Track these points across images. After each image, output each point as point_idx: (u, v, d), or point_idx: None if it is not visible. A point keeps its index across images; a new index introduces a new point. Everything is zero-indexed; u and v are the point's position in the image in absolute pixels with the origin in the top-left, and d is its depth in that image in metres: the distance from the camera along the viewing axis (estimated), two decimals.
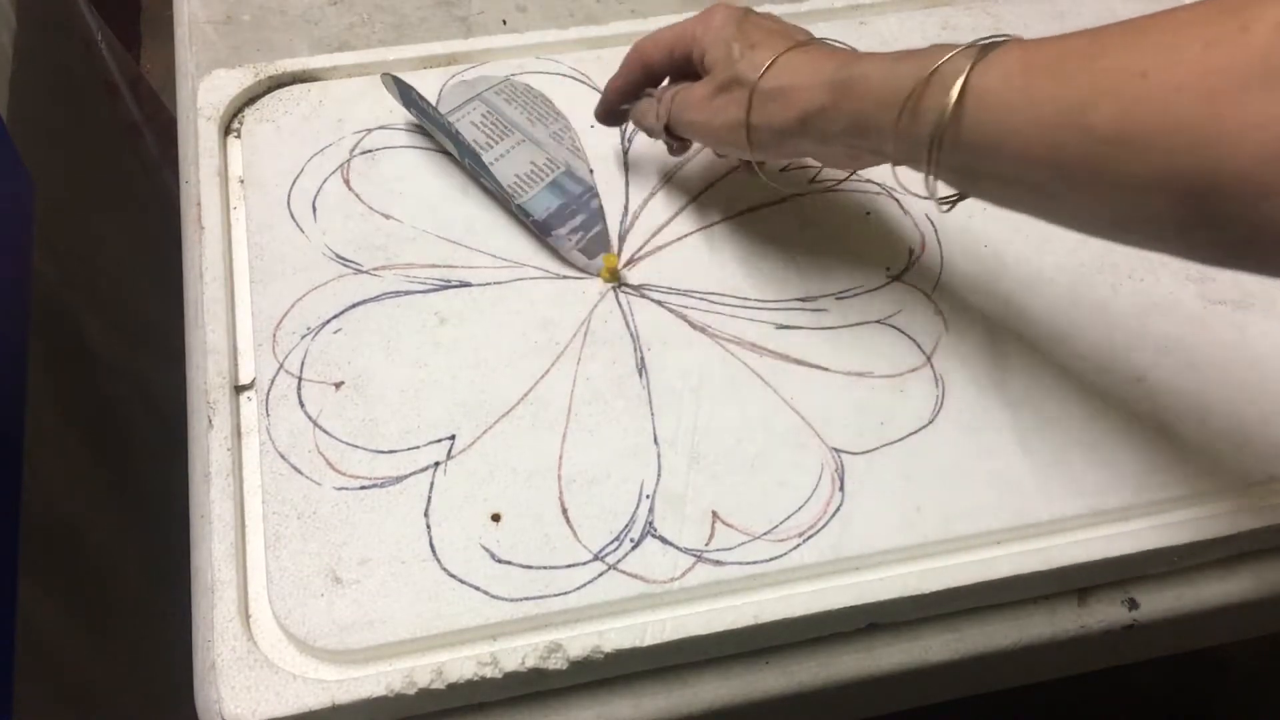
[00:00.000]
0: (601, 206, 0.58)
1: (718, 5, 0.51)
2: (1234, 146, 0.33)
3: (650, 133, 0.55)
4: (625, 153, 0.60)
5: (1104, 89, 0.35)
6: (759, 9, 0.65)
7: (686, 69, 0.52)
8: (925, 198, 0.43)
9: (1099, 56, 0.36)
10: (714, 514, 0.48)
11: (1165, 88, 0.34)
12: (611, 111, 0.57)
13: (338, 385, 0.51)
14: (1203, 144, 0.33)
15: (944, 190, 0.44)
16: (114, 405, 0.78)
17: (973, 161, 0.40)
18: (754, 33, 0.48)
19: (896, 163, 0.44)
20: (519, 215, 0.56)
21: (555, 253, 0.56)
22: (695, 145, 0.56)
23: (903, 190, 0.46)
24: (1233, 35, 0.33)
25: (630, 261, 0.56)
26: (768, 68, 0.46)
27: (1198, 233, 0.36)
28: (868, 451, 0.50)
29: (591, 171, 0.59)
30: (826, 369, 0.52)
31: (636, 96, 0.55)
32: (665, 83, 0.54)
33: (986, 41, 0.40)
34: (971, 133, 0.39)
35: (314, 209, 0.57)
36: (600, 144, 0.60)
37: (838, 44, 0.48)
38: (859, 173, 0.60)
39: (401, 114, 0.61)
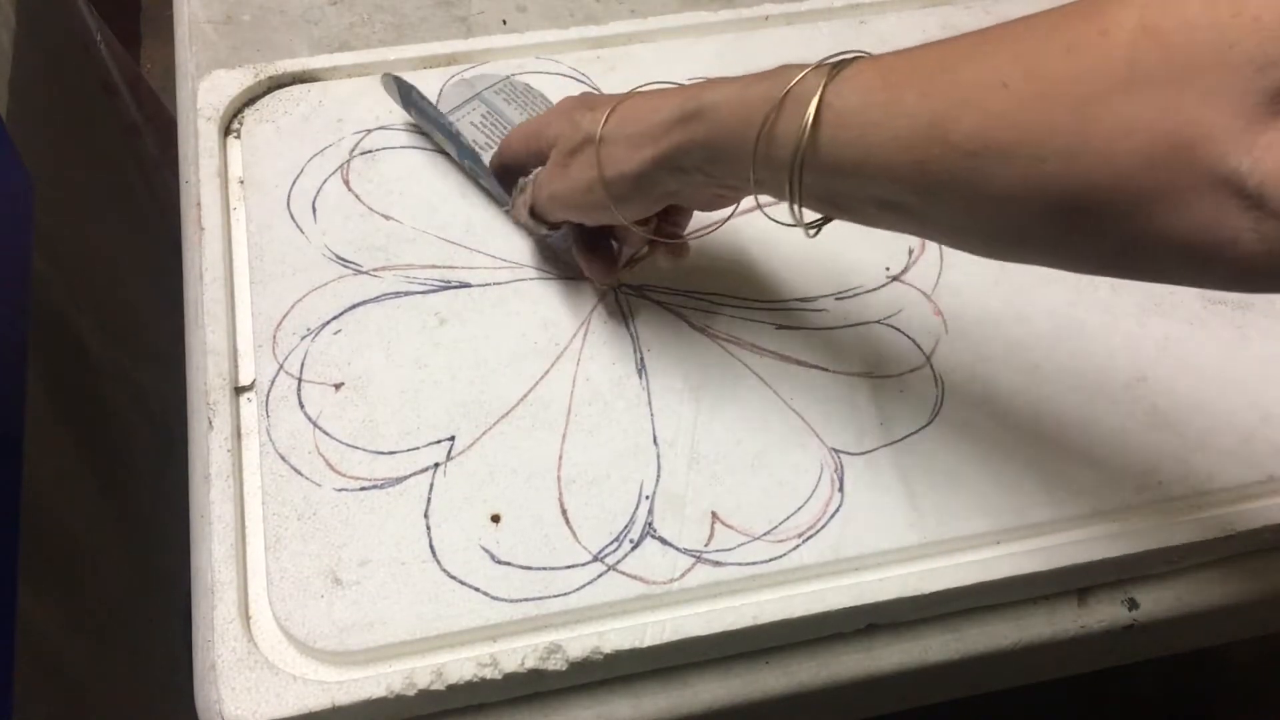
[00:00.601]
0: None
1: (567, 96, 0.51)
2: (1102, 154, 0.32)
3: (526, 228, 0.55)
4: None
5: (964, 101, 0.34)
6: (753, 10, 0.66)
7: (544, 159, 0.51)
8: (791, 225, 0.42)
9: (957, 67, 0.35)
10: (713, 515, 0.48)
11: (1027, 97, 0.33)
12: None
13: (338, 386, 0.51)
14: (1070, 153, 0.32)
15: (810, 215, 0.42)
16: (105, 406, 0.78)
17: (836, 183, 0.39)
18: (596, 99, 0.48)
19: (761, 191, 0.42)
20: None
21: (555, 253, 0.56)
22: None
23: (767, 218, 0.43)
24: (1092, 40, 0.32)
25: (630, 261, 0.56)
26: (608, 117, 0.45)
27: (1072, 243, 0.35)
28: (867, 452, 0.50)
29: None
30: (826, 369, 0.52)
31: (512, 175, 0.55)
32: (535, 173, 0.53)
33: (838, 59, 0.39)
34: (832, 153, 0.38)
35: (314, 209, 0.57)
36: None
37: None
38: None
39: (401, 114, 0.61)
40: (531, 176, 0.52)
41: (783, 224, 0.42)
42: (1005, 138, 0.33)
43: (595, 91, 0.59)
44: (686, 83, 0.45)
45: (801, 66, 0.39)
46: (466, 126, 0.59)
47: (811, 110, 0.37)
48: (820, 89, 0.37)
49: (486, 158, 0.57)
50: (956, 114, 0.34)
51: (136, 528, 0.80)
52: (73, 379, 0.72)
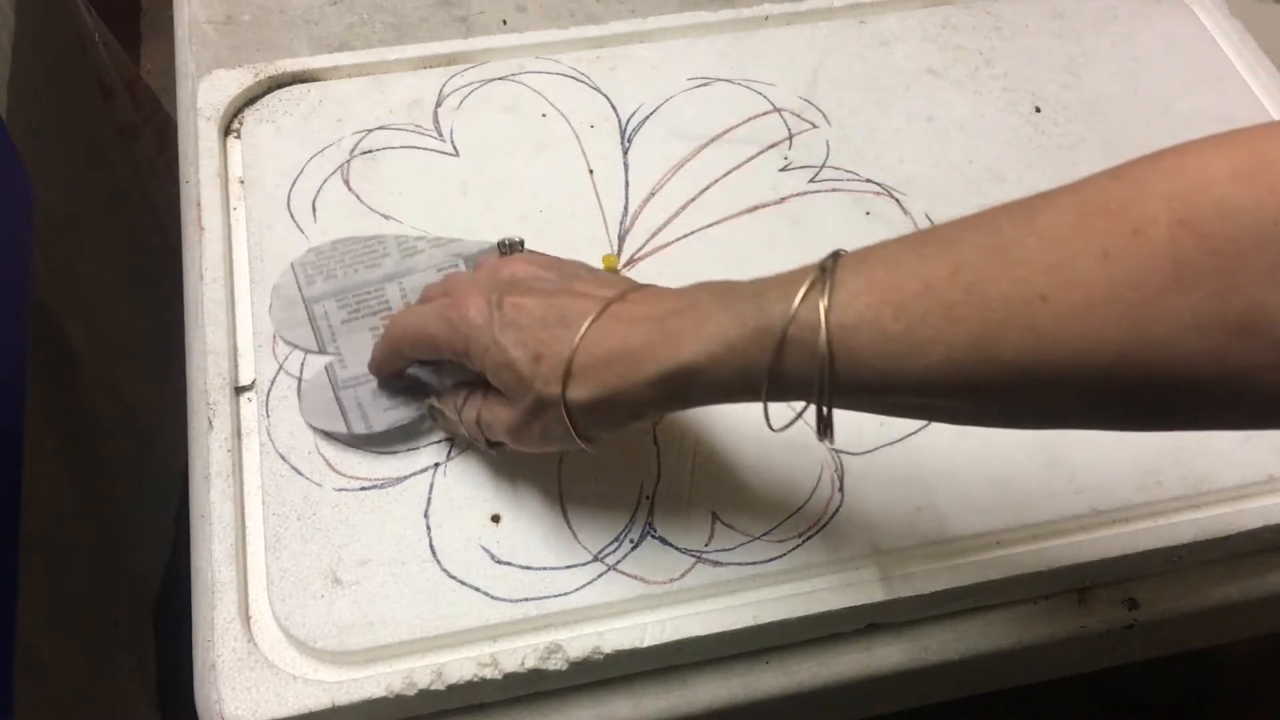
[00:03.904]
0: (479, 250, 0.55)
1: (467, 288, 0.43)
2: (1164, 352, 0.31)
3: (464, 441, 0.49)
4: (625, 153, 0.60)
5: (1004, 321, 0.33)
6: (753, 10, 0.66)
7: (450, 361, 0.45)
8: (832, 448, 0.40)
9: (979, 287, 0.33)
10: (713, 515, 0.48)
11: (1074, 308, 0.32)
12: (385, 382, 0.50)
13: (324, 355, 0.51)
14: (1129, 356, 0.32)
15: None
16: (85, 405, 0.78)
17: (861, 402, 0.37)
18: (525, 329, 0.40)
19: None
20: None
21: (554, 252, 0.56)
22: (696, 145, 0.55)
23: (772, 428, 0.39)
24: (1127, 242, 0.32)
25: (630, 261, 0.56)
26: (567, 377, 0.39)
27: (1130, 421, 0.36)
28: (867, 452, 0.50)
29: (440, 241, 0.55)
30: None
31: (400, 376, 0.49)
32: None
33: (809, 279, 0.36)
34: (854, 382, 0.35)
35: (314, 209, 0.57)
36: (600, 143, 0.60)
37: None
38: (859, 172, 0.60)
39: (402, 114, 0.61)
40: (472, 410, 0.44)
41: (828, 446, 0.40)
42: (1058, 352, 0.32)
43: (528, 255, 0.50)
44: (614, 275, 0.42)
45: (775, 289, 0.37)
46: (350, 333, 0.52)
47: (824, 351, 0.35)
48: (823, 330, 0.35)
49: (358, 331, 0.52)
50: (1000, 334, 0.33)
51: (110, 526, 0.80)
52: (57, 378, 0.72)
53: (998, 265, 0.33)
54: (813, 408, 0.37)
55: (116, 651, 0.78)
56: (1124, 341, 0.32)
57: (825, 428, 0.37)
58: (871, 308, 0.35)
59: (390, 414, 0.49)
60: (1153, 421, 0.36)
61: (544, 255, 0.49)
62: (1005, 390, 0.34)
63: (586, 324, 0.39)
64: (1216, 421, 0.35)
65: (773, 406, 0.38)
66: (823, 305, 0.35)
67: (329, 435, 0.49)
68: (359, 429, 0.48)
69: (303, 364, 0.51)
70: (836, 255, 0.36)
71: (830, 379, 0.35)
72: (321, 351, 0.51)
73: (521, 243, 0.51)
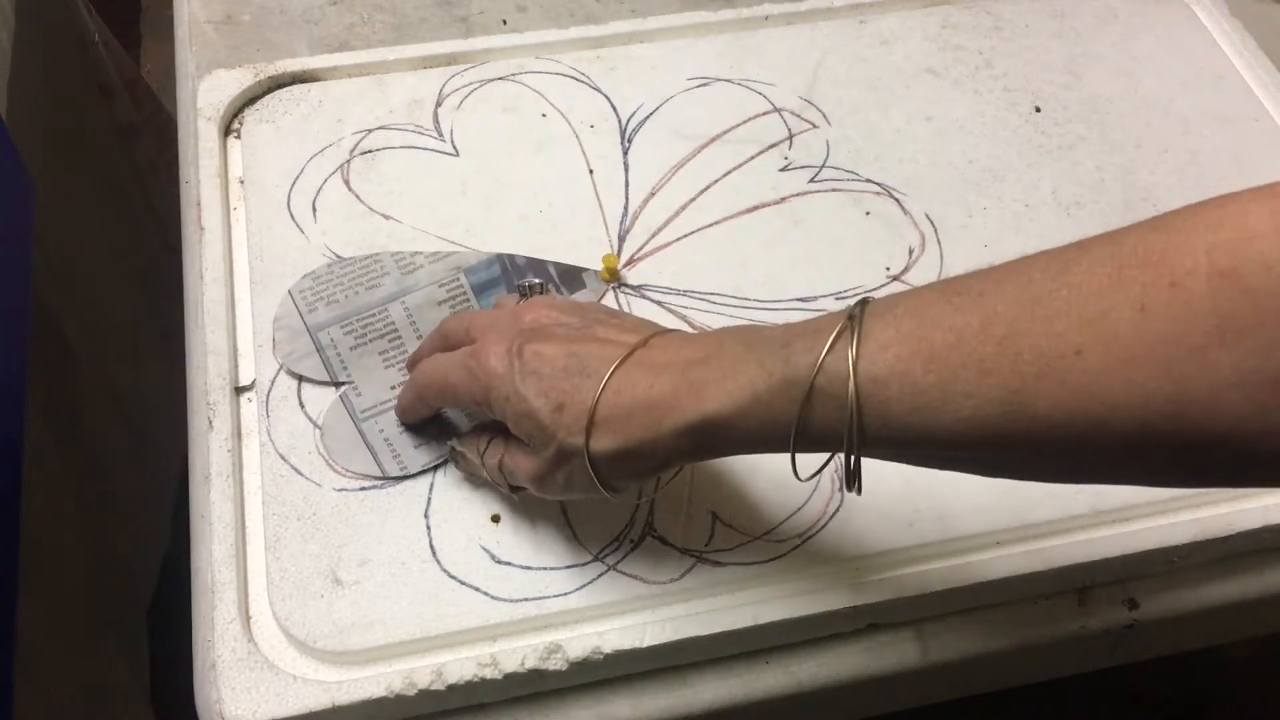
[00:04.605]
0: (508, 260, 0.55)
1: (488, 334, 0.43)
2: (1208, 409, 0.31)
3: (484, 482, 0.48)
4: (625, 153, 0.60)
5: (1039, 375, 0.32)
6: (753, 10, 0.66)
7: (472, 408, 0.46)
8: (849, 491, 0.38)
9: (1012, 339, 0.33)
10: (713, 515, 0.48)
11: (1112, 363, 0.31)
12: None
13: (338, 386, 0.51)
14: (1170, 413, 0.31)
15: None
16: (82, 404, 0.78)
17: (890, 454, 0.36)
18: (547, 378, 0.40)
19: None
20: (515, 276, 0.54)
21: (554, 253, 0.56)
22: (696, 145, 0.55)
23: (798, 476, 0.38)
24: (1166, 294, 0.31)
25: (630, 261, 0.56)
26: (590, 429, 0.39)
27: (1168, 478, 0.34)
28: None
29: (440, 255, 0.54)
30: None
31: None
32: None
33: (838, 326, 0.35)
34: (883, 435, 0.35)
35: (314, 209, 0.57)
36: (600, 143, 0.60)
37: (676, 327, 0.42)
38: (859, 172, 0.60)
39: (402, 114, 0.61)
40: (494, 457, 0.44)
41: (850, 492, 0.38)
42: (1093, 408, 0.32)
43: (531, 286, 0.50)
44: (640, 317, 0.42)
45: (802, 338, 0.36)
46: (359, 356, 0.51)
47: (852, 403, 0.34)
48: (851, 381, 0.34)
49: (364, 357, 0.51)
50: (1034, 389, 0.32)
51: (107, 525, 0.80)
52: (55, 377, 0.72)
53: (1031, 318, 0.33)
54: (838, 457, 0.37)
55: (112, 651, 0.78)
56: (1162, 398, 0.31)
57: (853, 479, 0.37)
58: (901, 359, 0.34)
59: (422, 452, 0.48)
60: (1192, 479, 0.35)
61: (564, 299, 0.49)
62: (1037, 445, 0.33)
63: (609, 373, 0.39)
64: (1258, 479, 0.34)
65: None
66: (851, 356, 0.34)
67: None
68: (393, 471, 0.48)
69: None
70: (864, 303, 0.36)
71: (859, 431, 0.35)
72: (334, 382, 0.50)
73: (543, 285, 0.50)
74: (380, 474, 0.48)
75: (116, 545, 0.82)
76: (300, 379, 0.51)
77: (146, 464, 0.88)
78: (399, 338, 0.51)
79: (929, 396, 0.33)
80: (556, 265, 0.55)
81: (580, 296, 0.53)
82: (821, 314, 0.37)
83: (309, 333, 0.51)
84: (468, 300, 0.52)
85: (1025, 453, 0.34)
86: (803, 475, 0.37)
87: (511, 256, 0.54)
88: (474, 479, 0.48)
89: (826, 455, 0.38)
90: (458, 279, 0.52)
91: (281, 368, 0.51)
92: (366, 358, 0.50)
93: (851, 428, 0.35)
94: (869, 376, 0.34)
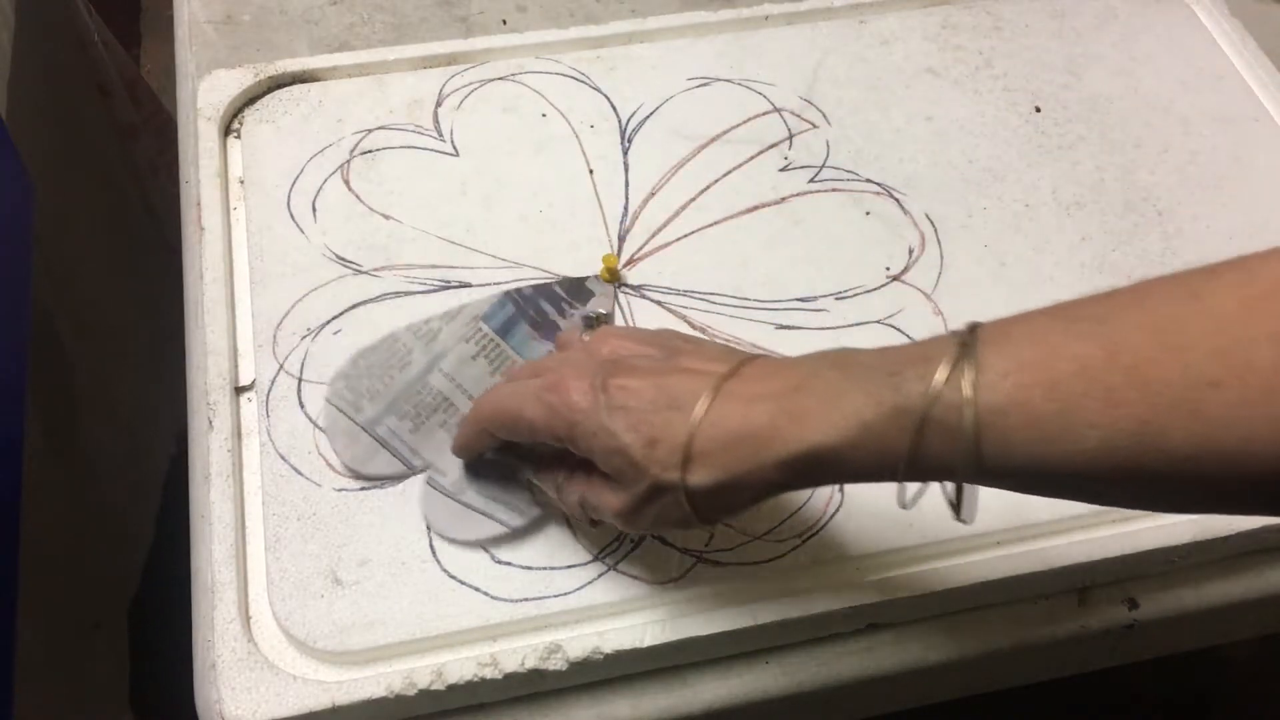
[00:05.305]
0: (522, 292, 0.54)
1: (566, 369, 0.41)
2: None
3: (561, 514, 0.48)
4: (625, 153, 0.60)
5: (1171, 406, 0.31)
6: (753, 10, 0.66)
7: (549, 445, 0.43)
8: (957, 519, 0.38)
9: (1139, 366, 0.32)
10: None
11: (1247, 397, 0.30)
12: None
13: (414, 471, 0.50)
14: None
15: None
16: (75, 405, 0.78)
17: (1004, 484, 0.35)
18: (635, 412, 0.38)
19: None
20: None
21: (554, 253, 0.56)
22: (696, 145, 0.55)
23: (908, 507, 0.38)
24: None
25: (630, 261, 0.56)
26: (687, 462, 0.37)
27: None
28: None
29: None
30: None
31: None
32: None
33: (952, 352, 0.34)
34: (999, 465, 0.34)
35: (314, 209, 0.57)
36: (600, 143, 0.60)
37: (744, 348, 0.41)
38: (859, 172, 0.60)
39: (402, 114, 0.61)
40: (575, 493, 0.43)
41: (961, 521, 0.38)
42: (1229, 441, 0.31)
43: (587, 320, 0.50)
44: (735, 347, 0.41)
45: (910, 365, 0.35)
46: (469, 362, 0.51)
47: (971, 434, 0.33)
48: (971, 412, 0.33)
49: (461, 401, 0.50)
50: (1165, 421, 0.31)
51: (97, 527, 0.80)
52: (52, 377, 0.72)
53: (1159, 347, 0.32)
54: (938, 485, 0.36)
55: (98, 653, 0.78)
56: None
57: (960, 507, 0.36)
58: (1022, 388, 0.33)
59: (525, 495, 0.47)
60: None
61: (636, 329, 0.47)
62: (1166, 478, 0.32)
63: (702, 406, 0.38)
64: None
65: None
66: (967, 385, 0.33)
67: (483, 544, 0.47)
68: (516, 524, 0.47)
69: (303, 363, 0.51)
70: (974, 329, 0.35)
71: (976, 462, 0.34)
72: (411, 471, 0.49)
73: (610, 315, 0.49)
74: (508, 532, 0.47)
75: (105, 546, 0.82)
76: (300, 379, 0.51)
77: (135, 465, 0.88)
78: (451, 404, 0.49)
79: (1050, 427, 0.33)
80: (560, 281, 0.55)
81: (592, 304, 0.53)
82: (925, 339, 0.36)
83: (366, 431, 0.49)
84: (497, 346, 0.51)
85: (1152, 486, 0.33)
86: (907, 504, 0.37)
87: (519, 290, 0.53)
88: (550, 509, 0.47)
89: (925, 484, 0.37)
90: (479, 329, 0.51)
91: (349, 471, 0.49)
92: (431, 436, 0.49)
93: (969, 459, 0.34)
94: (988, 406, 0.33)
